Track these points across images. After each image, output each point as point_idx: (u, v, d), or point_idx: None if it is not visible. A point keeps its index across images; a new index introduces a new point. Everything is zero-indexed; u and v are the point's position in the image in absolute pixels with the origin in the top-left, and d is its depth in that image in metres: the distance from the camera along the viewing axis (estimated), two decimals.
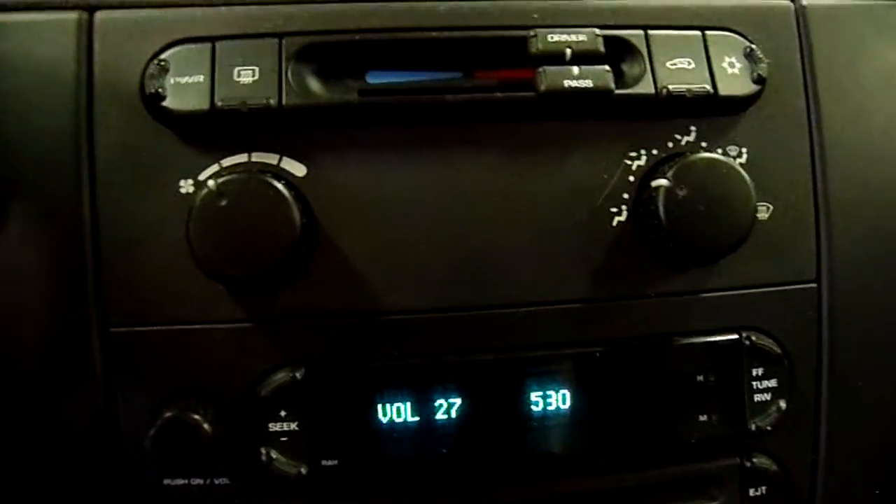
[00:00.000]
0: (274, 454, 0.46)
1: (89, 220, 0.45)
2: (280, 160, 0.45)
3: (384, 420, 0.46)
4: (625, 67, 0.48)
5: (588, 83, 0.45)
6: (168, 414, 0.44)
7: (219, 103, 0.44)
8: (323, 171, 0.46)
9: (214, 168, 0.45)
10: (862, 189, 0.50)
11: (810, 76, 0.50)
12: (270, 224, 0.42)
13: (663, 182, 0.45)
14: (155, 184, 0.45)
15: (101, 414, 0.46)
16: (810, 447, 0.52)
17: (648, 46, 0.47)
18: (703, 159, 0.45)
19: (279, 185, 0.43)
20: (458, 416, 0.47)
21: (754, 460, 0.51)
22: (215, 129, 0.45)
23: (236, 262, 0.42)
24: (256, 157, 0.45)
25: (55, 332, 0.46)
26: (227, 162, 0.45)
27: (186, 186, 0.45)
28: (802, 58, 0.50)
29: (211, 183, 0.42)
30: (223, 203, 0.42)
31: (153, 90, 0.44)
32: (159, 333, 0.45)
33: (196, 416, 0.44)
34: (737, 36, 0.49)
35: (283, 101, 0.44)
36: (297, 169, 0.46)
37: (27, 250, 0.46)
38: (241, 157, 0.45)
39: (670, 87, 0.46)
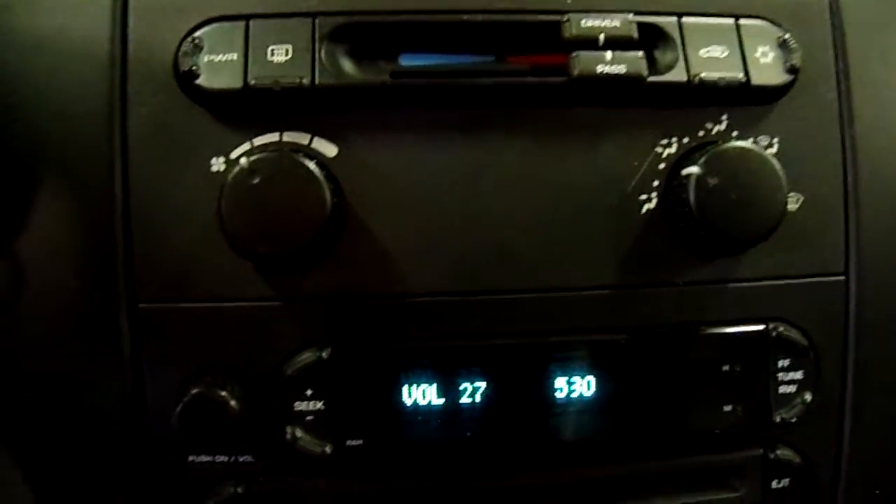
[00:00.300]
0: (299, 433, 0.46)
1: (120, 196, 0.45)
2: (311, 140, 0.46)
3: (409, 402, 0.46)
4: (657, 54, 0.48)
5: (621, 69, 0.45)
6: (195, 391, 0.44)
7: (252, 82, 0.44)
8: (354, 152, 0.46)
9: (246, 146, 0.45)
10: (892, 182, 0.50)
11: (843, 67, 0.50)
12: (302, 203, 0.42)
13: (694, 170, 0.45)
14: (186, 161, 0.45)
15: (128, 390, 0.46)
16: (834, 441, 0.51)
17: (682, 33, 0.47)
18: (734, 148, 0.45)
19: (311, 165, 0.43)
20: (482, 400, 0.47)
21: (778, 452, 0.50)
22: (248, 107, 0.45)
23: (267, 239, 0.42)
24: (288, 136, 0.45)
25: (84, 307, 0.46)
26: (259, 141, 0.45)
27: (218, 164, 0.45)
28: (836, 49, 0.50)
29: (243, 160, 0.42)
30: (255, 181, 0.42)
31: (187, 68, 0.44)
32: (188, 310, 0.46)
33: (223, 394, 0.44)
34: (770, 25, 0.48)
35: (316, 81, 0.44)
36: (329, 149, 0.46)
37: (58, 226, 0.46)
38: (273, 137, 0.45)
39: (703, 74, 0.46)
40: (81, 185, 0.46)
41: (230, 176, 0.42)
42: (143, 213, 0.45)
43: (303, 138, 0.46)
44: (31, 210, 0.46)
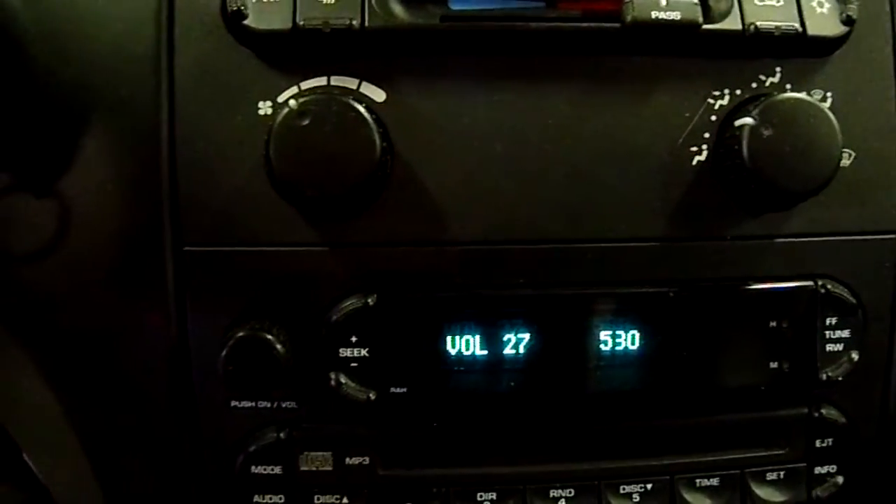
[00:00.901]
0: (343, 379, 0.46)
1: (167, 138, 0.45)
2: (360, 85, 0.45)
3: (453, 351, 0.46)
4: (712, 2, 0.47)
5: (676, 15, 0.44)
6: (240, 334, 0.44)
7: (301, 22, 0.43)
8: (402, 98, 0.45)
9: (293, 90, 0.45)
10: None
11: None
12: (351, 146, 0.42)
13: (749, 121, 0.44)
14: (233, 104, 0.45)
15: (173, 334, 0.46)
16: (879, 402, 0.51)
17: None
18: (790, 99, 0.44)
19: (361, 108, 0.42)
20: (525, 351, 0.47)
21: (822, 411, 0.50)
22: (296, 50, 0.45)
23: (315, 183, 0.42)
24: (336, 80, 0.45)
25: (129, 249, 0.46)
26: (307, 84, 0.45)
27: (265, 108, 0.45)
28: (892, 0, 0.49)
29: (293, 102, 0.42)
30: (304, 123, 0.42)
31: (235, 7, 0.44)
32: (233, 254, 0.45)
33: (268, 337, 0.44)
34: None
35: (366, 23, 0.44)
36: (377, 94, 0.45)
37: (104, 167, 0.46)
38: (321, 81, 0.45)
39: (758, 23, 0.45)
40: (128, 127, 0.46)
41: (279, 118, 0.42)
42: (189, 155, 0.45)
43: (351, 83, 0.45)
44: (78, 151, 0.46)
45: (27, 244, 0.46)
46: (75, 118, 0.45)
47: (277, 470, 0.47)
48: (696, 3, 0.44)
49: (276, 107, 0.45)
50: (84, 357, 0.48)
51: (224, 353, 0.44)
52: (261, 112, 0.45)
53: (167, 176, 0.45)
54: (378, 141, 0.42)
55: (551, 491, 0.49)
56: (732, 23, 0.46)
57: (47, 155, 0.46)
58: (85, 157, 0.46)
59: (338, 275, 0.46)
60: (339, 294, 0.46)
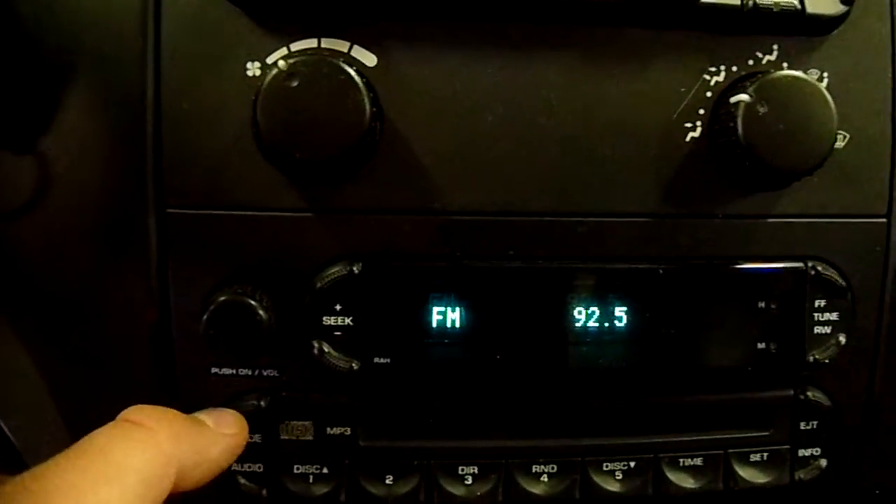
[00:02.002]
0: (326, 348, 0.45)
1: (152, 97, 0.44)
2: (351, 48, 0.44)
3: (440, 321, 0.45)
4: None
5: None
6: (223, 298, 0.43)
7: None
8: (394, 63, 0.44)
9: (283, 51, 0.44)
10: None
11: None
12: (341, 110, 0.41)
13: (744, 97, 0.43)
14: (221, 64, 0.44)
15: (153, 297, 0.45)
16: (864, 386, 0.50)
17: None
18: (787, 77, 0.44)
19: (351, 71, 0.41)
20: (512, 324, 0.46)
21: (808, 394, 0.50)
22: (286, 10, 0.44)
23: (303, 146, 0.41)
24: (326, 43, 0.44)
25: (111, 209, 0.45)
26: (297, 46, 0.44)
27: (253, 69, 0.44)
28: None
29: (282, 63, 0.41)
30: (293, 84, 0.41)
31: None
32: (218, 217, 0.45)
33: (251, 302, 0.43)
34: None
35: None
36: (368, 59, 0.44)
37: (87, 125, 0.45)
38: (311, 42, 0.44)
39: None
40: (112, 86, 0.45)
41: (267, 79, 0.41)
42: (175, 116, 0.44)
43: (342, 46, 0.44)
44: (60, 109, 0.45)
45: (5, 202, 0.45)
46: (58, 75, 0.44)
47: (257, 438, 0.47)
48: None
49: (265, 68, 0.44)
50: (62, 320, 0.47)
51: (206, 317, 0.43)
52: (249, 73, 0.44)
53: (151, 136, 0.44)
54: (368, 106, 0.41)
55: (534, 466, 0.48)
56: None
57: (28, 112, 0.45)
58: (67, 115, 0.45)
59: (323, 241, 0.45)
60: (324, 261, 0.45)
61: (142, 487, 0.31)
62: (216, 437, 0.39)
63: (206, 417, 0.41)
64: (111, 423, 0.34)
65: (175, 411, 0.38)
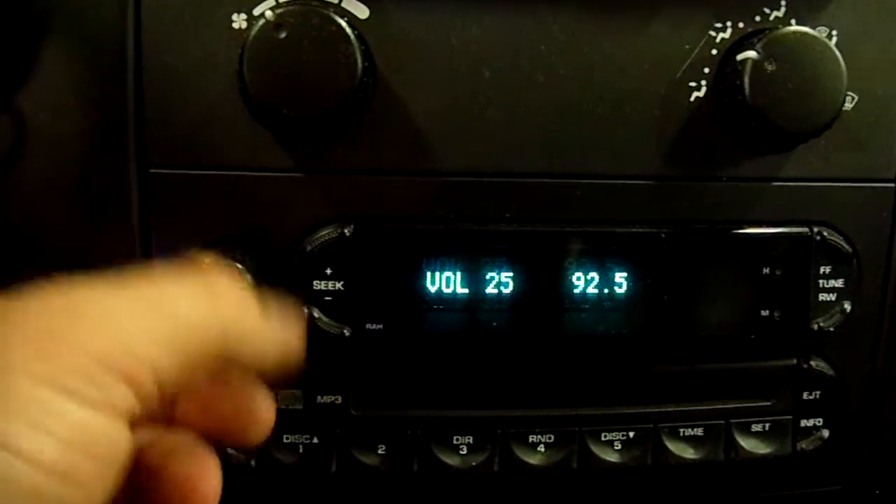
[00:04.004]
0: (316, 313, 0.43)
1: (132, 52, 0.42)
2: None
3: (433, 287, 0.44)
4: None
5: None
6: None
7: None
8: (387, 16, 0.42)
9: (270, 2, 0.42)
10: None
11: None
12: (331, 63, 0.39)
13: (751, 54, 0.42)
14: (205, 16, 0.42)
15: (136, 259, 0.43)
16: (868, 355, 0.49)
17: None
18: (796, 33, 0.42)
19: (342, 23, 0.39)
20: (508, 290, 0.45)
21: (811, 363, 0.49)
22: None
23: (292, 101, 0.39)
24: None
25: (91, 169, 0.43)
26: None
27: (239, 21, 0.42)
28: None
29: (269, 13, 0.39)
30: (281, 36, 0.39)
31: None
32: (202, 178, 0.43)
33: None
34: None
35: None
36: (360, 10, 0.42)
37: (64, 81, 0.43)
38: None
39: None
40: (91, 38, 0.43)
41: (253, 31, 0.39)
42: (156, 71, 0.42)
43: None
44: (37, 63, 0.42)
45: None
46: (34, 28, 0.42)
47: None
48: None
49: (252, 19, 0.42)
50: (42, 281, 0.45)
51: None
52: (234, 25, 0.42)
53: (132, 93, 0.43)
54: (360, 60, 0.39)
55: (530, 436, 0.47)
56: None
57: (4, 67, 0.43)
58: (45, 70, 0.43)
59: (313, 203, 0.43)
60: (314, 223, 0.43)
61: (185, 333, 0.26)
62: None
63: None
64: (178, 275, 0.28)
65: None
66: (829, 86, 0.42)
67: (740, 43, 0.44)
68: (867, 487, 0.53)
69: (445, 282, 0.44)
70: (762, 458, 0.48)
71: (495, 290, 0.44)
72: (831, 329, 0.47)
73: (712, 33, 0.44)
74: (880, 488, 0.53)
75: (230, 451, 0.45)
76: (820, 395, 0.49)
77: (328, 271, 0.43)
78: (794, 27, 0.43)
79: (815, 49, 0.42)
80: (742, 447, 0.48)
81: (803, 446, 0.49)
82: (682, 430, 0.48)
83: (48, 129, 0.43)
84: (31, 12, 0.42)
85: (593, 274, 0.45)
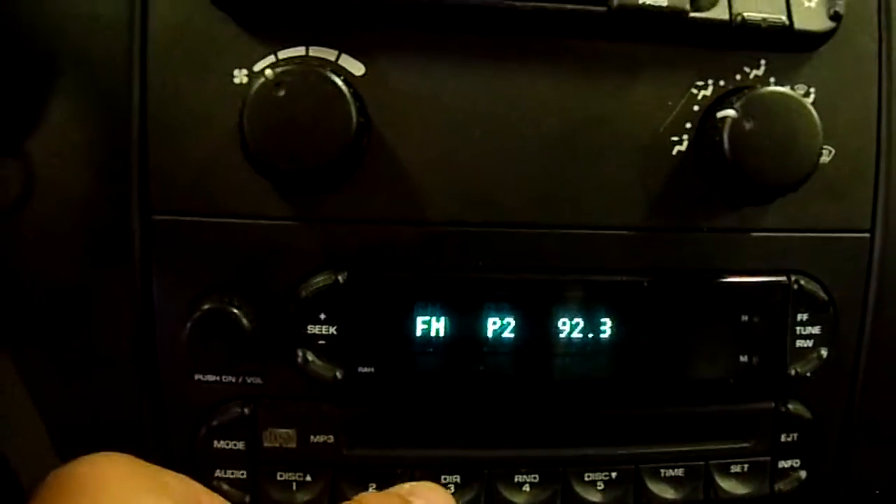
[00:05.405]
0: (310, 356, 0.45)
1: (138, 102, 0.44)
2: (339, 57, 0.44)
3: (424, 331, 0.46)
4: None
5: (663, 1, 0.43)
6: (207, 306, 0.43)
7: None
8: (382, 73, 0.44)
9: (270, 59, 0.44)
10: None
11: (885, 19, 0.48)
12: (327, 120, 0.41)
13: (731, 112, 0.44)
14: (208, 70, 0.44)
15: (137, 303, 0.45)
16: (845, 399, 0.51)
17: None
18: (773, 93, 0.44)
19: (339, 81, 0.41)
20: (496, 335, 0.46)
21: (789, 406, 0.50)
22: (274, 17, 0.43)
23: (289, 156, 0.41)
24: (314, 51, 0.44)
25: (96, 215, 0.45)
26: (284, 54, 0.44)
27: (240, 76, 0.44)
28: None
29: (269, 72, 0.41)
30: (280, 94, 0.41)
31: None
32: (203, 224, 0.44)
33: (235, 311, 0.43)
34: None
35: None
36: (356, 68, 0.44)
37: (73, 129, 0.45)
38: (299, 50, 0.44)
39: (745, 14, 0.45)
40: (99, 89, 0.44)
41: (254, 87, 0.41)
42: (161, 121, 0.44)
43: (330, 54, 0.44)
44: (47, 110, 0.44)
45: None
46: (44, 78, 0.44)
47: (240, 445, 0.47)
48: None
49: (252, 75, 0.44)
50: (45, 325, 0.47)
51: (189, 325, 0.43)
52: (236, 80, 0.44)
53: (137, 142, 0.44)
54: (355, 115, 0.41)
55: (516, 476, 0.49)
56: (720, 12, 0.45)
57: (14, 114, 0.44)
58: (53, 118, 0.44)
59: (308, 250, 0.45)
60: (309, 270, 0.45)
61: None
62: None
63: None
64: None
65: None
66: (805, 142, 0.44)
67: (721, 100, 0.46)
68: None
69: (435, 327, 0.46)
70: (741, 499, 0.50)
71: (483, 336, 0.46)
72: (808, 374, 0.48)
73: (694, 91, 0.46)
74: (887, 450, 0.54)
75: (225, 487, 0.47)
76: (797, 437, 0.51)
77: (322, 316, 0.45)
78: (772, 87, 0.45)
79: (792, 108, 0.44)
80: (721, 488, 0.50)
81: (781, 487, 0.51)
82: (662, 471, 0.49)
83: (55, 176, 0.44)
84: (41, 62, 0.44)
85: (578, 320, 0.47)
